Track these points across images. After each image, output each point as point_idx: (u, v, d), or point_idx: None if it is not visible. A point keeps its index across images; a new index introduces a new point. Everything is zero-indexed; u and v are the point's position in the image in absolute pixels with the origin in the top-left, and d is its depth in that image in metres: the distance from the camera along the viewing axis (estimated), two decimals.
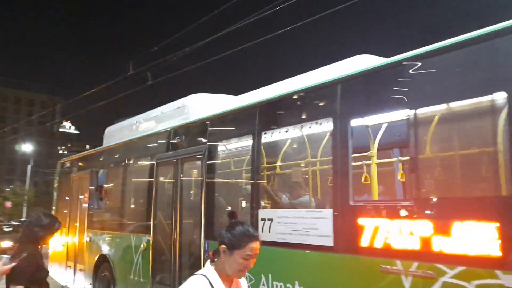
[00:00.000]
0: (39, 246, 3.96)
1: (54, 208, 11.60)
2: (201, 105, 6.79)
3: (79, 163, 10.31)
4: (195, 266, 5.76)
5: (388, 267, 3.39)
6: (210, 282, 2.37)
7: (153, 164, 6.96)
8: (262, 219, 4.71)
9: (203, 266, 5.43)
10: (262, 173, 4.90)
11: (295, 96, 4.53)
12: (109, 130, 9.75)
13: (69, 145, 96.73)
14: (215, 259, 2.47)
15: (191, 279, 2.41)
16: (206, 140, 5.78)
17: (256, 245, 2.41)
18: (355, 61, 4.47)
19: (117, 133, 9.20)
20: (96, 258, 8.43)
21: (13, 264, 3.51)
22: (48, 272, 4.03)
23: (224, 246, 2.39)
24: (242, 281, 2.67)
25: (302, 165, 4.60)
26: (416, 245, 3.23)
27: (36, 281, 3.72)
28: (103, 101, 16.37)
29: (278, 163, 4.85)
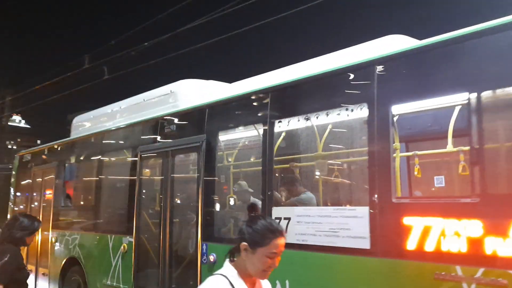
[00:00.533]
0: (20, 248, 3.94)
1: (11, 205, 10.51)
2: (193, 92, 6.14)
3: (42, 156, 9.31)
4: (189, 270, 5.16)
5: (444, 273, 2.95)
6: (230, 283, 2.14)
7: (135, 157, 6.25)
8: (276, 218, 4.16)
9: (200, 270, 4.91)
10: (275, 166, 4.36)
11: (320, 79, 4.00)
12: (78, 119, 8.83)
13: (19, 139, 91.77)
14: (234, 258, 2.26)
15: (209, 279, 2.18)
16: (204, 130, 5.16)
17: (282, 241, 2.20)
18: (386, 41, 4.02)
19: (89, 122, 8.33)
20: (63, 261, 7.58)
21: None
22: (29, 273, 4.04)
23: (245, 243, 2.17)
24: (265, 283, 2.39)
25: (328, 157, 4.09)
26: (482, 248, 2.80)
27: (17, 281, 3.76)
28: (56, 95, 15.46)
29: (296, 155, 4.33)
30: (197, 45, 9.77)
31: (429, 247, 3.06)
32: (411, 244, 3.16)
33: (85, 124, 8.49)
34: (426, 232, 3.09)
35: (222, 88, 6.06)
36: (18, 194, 10.18)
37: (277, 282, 4.06)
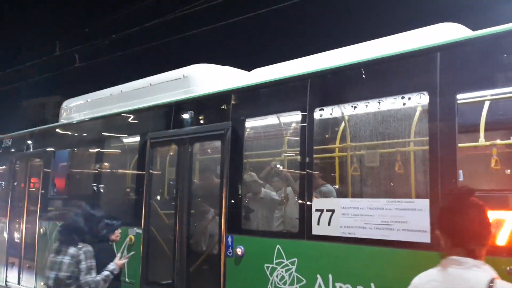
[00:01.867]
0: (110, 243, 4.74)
1: None
2: (208, 77, 5.85)
3: (28, 141, 8.72)
4: (210, 263, 4.92)
5: None
6: None
7: (144, 144, 5.89)
8: (317, 210, 3.99)
9: (224, 263, 4.67)
10: (315, 156, 4.17)
11: (372, 65, 3.83)
12: (69, 103, 8.30)
13: None
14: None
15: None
16: (229, 117, 4.89)
17: None
18: (439, 29, 3.91)
19: (83, 107, 7.83)
20: None
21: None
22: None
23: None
24: None
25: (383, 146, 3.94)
26: None
27: None
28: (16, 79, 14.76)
29: (341, 145, 4.16)
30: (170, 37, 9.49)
31: (500, 240, 2.97)
32: None
33: (78, 108, 7.98)
34: (495, 225, 2.99)
35: (240, 75, 5.82)
36: (2, 182, 9.55)
37: (318, 276, 3.91)
